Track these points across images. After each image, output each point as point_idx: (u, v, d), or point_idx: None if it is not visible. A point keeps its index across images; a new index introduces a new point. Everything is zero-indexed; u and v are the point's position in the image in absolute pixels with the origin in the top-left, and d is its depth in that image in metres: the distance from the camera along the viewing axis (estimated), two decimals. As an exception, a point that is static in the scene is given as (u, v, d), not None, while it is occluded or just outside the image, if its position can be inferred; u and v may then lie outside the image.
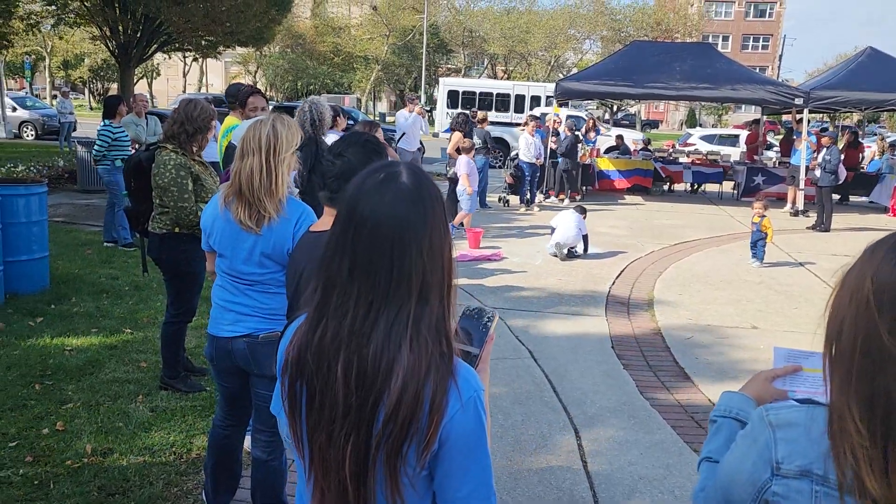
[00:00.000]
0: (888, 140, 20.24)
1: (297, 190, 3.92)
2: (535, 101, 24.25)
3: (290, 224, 2.74)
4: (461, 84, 26.35)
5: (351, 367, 1.22)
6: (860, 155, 17.02)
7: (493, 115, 20.77)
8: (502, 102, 24.51)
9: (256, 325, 2.81)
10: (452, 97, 24.56)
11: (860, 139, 17.56)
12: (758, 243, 9.00)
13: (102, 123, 8.33)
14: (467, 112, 13.04)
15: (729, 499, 1.23)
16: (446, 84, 25.74)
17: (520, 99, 24.67)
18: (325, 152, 2.29)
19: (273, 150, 2.70)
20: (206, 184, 4.14)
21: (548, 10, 42.82)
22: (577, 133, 14.36)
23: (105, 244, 8.37)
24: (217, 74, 47.93)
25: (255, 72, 45.09)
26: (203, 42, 20.37)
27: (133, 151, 8.09)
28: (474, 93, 24.83)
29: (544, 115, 16.83)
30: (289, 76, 41.55)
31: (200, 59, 37.73)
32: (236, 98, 5.64)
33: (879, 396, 1.03)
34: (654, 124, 43.35)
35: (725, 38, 60.66)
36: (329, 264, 1.27)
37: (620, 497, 3.61)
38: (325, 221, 2.20)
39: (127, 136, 8.50)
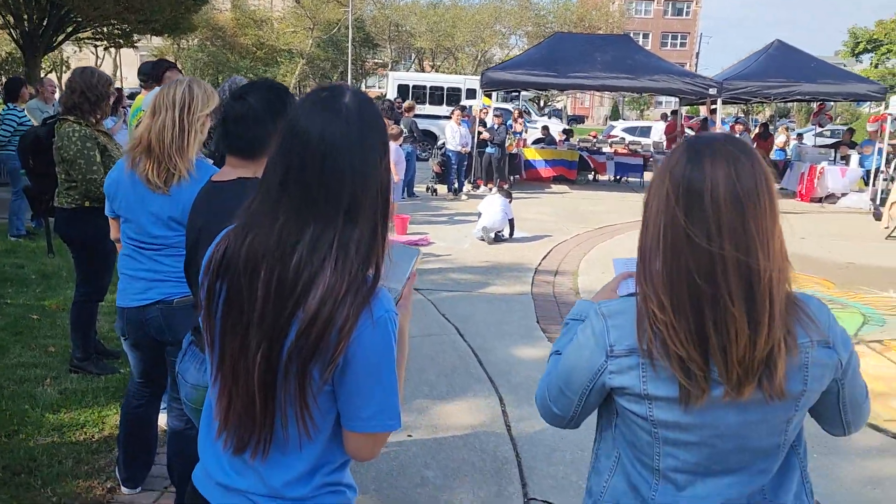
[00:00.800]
0: (793, 132, 21.26)
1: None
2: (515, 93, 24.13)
3: (199, 186, 2.65)
4: (411, 78, 25.94)
5: (273, 275, 1.22)
6: (770, 145, 17.82)
7: (444, 110, 20.78)
8: (453, 96, 24.33)
9: (170, 289, 2.71)
10: (402, 91, 24.32)
11: (770, 131, 18.37)
12: None
13: (5, 108, 7.90)
14: (391, 99, 12.99)
15: (568, 383, 1.36)
16: (396, 78, 25.41)
17: (471, 93, 24.52)
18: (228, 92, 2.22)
19: (187, 107, 2.61)
20: (113, 154, 3.97)
21: (473, 5, 43.21)
22: (507, 124, 14.49)
23: (10, 237, 7.90)
24: (132, 68, 46.16)
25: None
26: (115, 31, 19.57)
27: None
28: (425, 87, 24.59)
29: (471, 106, 16.94)
30: (209, 70, 40.40)
31: (114, 52, 36.28)
32: (149, 75, 5.45)
33: (681, 273, 1.20)
34: (580, 119, 44.16)
35: (646, 35, 62.49)
36: (266, 175, 1.28)
37: (542, 454, 3.67)
38: (226, 172, 2.10)
39: (31, 122, 8.09)
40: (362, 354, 1.24)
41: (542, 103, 28.21)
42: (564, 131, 19.56)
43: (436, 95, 23.63)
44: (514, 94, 21.94)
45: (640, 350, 1.26)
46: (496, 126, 14.01)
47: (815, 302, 1.28)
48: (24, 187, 4.35)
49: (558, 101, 35.88)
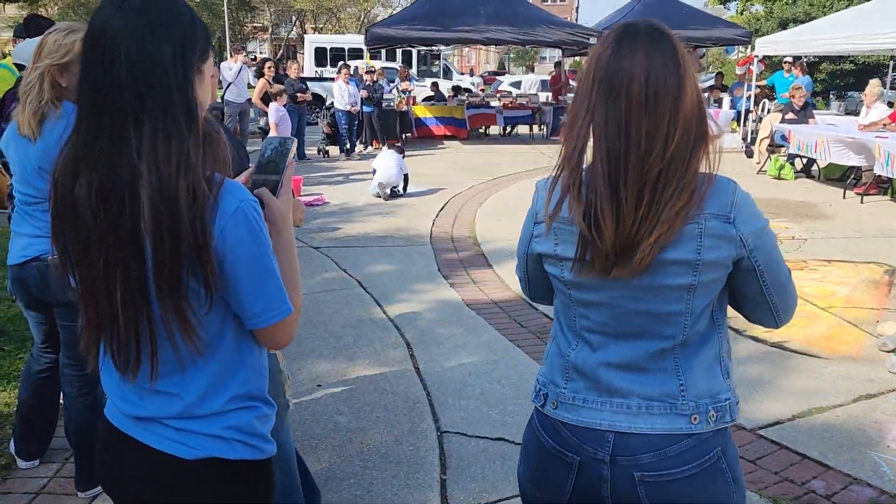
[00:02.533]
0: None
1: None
2: (406, 53, 23.64)
3: (61, 129, 2.49)
4: (329, 41, 24.99)
5: (91, 185, 1.20)
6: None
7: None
8: (372, 57, 23.72)
9: (45, 246, 2.56)
10: (320, 54, 23.37)
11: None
12: None
13: None
14: (271, 58, 12.55)
15: (519, 249, 1.54)
16: (312, 41, 24.43)
17: (390, 53, 23.90)
18: None
19: (38, 55, 2.49)
20: None
21: (353, -36, 42.10)
22: (379, 83, 14.28)
23: None
24: (-13, 42, 42.45)
25: (34, 37, 40.36)
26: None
27: None
28: (343, 49, 23.82)
29: (357, 66, 16.66)
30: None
31: (-37, 24, 33.15)
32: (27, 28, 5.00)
33: (603, 151, 1.31)
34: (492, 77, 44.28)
35: (526, -9, 63.15)
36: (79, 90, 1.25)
37: (452, 391, 3.77)
38: None
39: None
40: (231, 250, 1.23)
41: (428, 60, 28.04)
42: (453, 88, 19.60)
43: (355, 56, 23.03)
44: (402, 50, 21.71)
45: (554, 215, 1.40)
46: (370, 83, 13.82)
47: (727, 183, 1.34)
48: None
49: (446, 58, 35.50)
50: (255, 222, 1.25)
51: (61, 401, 2.94)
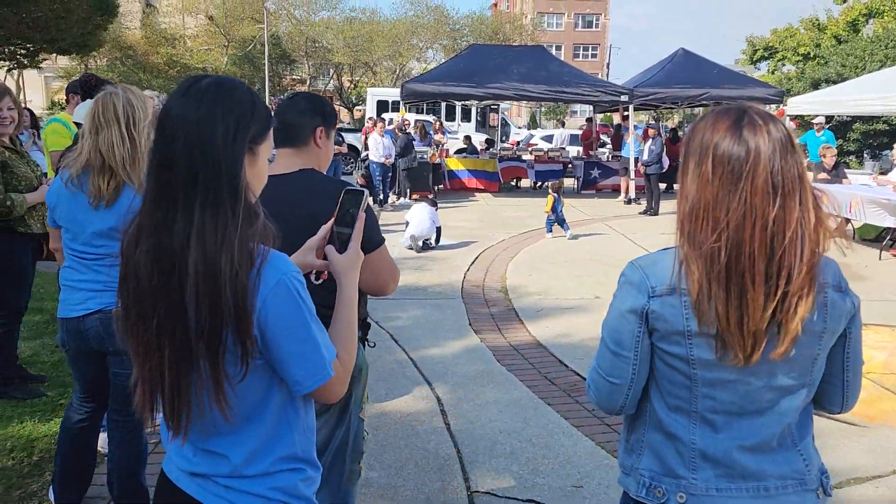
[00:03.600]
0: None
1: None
2: (466, 111, 24.10)
3: (132, 192, 2.61)
4: (389, 94, 25.58)
5: (149, 252, 1.30)
6: (681, 149, 18.63)
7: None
8: (432, 110, 24.16)
9: (109, 299, 2.67)
10: (382, 106, 23.93)
11: (679, 136, 19.23)
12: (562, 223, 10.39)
13: None
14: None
15: (619, 341, 1.42)
16: (375, 94, 25.07)
17: (450, 108, 24.33)
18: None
19: (132, 120, 2.63)
20: (17, 171, 3.88)
21: (390, 20, 43.26)
22: (409, 133, 14.59)
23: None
24: (36, 90, 44.11)
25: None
26: (19, 51, 18.72)
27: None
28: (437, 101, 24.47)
29: (391, 119, 17.07)
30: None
31: (17, 73, 34.61)
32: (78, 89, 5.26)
33: (717, 252, 1.29)
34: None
35: (558, 47, 64.22)
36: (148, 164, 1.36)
37: (482, 449, 3.77)
38: (282, 164, 2.27)
39: None
40: (274, 320, 1.30)
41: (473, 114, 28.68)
42: (486, 141, 19.89)
43: (414, 110, 23.59)
44: (445, 104, 22.17)
45: (679, 289, 1.34)
46: (394, 136, 14.10)
47: (824, 258, 1.36)
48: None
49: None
50: (297, 293, 1.33)
51: (100, 448, 3.02)
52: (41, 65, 21.81)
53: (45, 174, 4.94)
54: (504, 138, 26.14)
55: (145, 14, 43.83)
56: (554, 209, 10.38)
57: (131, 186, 2.60)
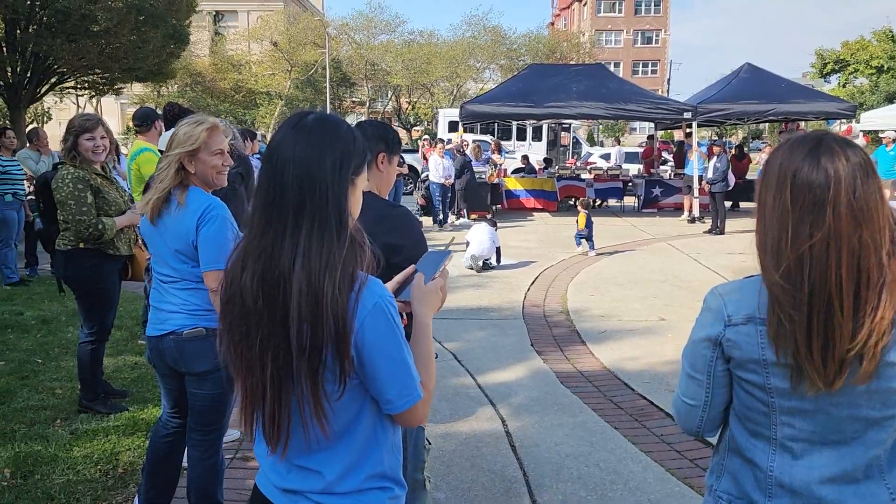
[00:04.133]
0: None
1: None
2: (537, 129, 24.29)
3: (195, 215, 2.73)
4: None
5: (255, 277, 1.38)
6: (746, 166, 18.21)
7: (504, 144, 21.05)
8: (503, 129, 24.44)
9: (182, 321, 2.81)
10: (454, 127, 24.48)
11: (745, 152, 18.81)
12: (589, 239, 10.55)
13: (-14, 157, 7.98)
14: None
15: (694, 364, 1.47)
16: (446, 115, 25.54)
17: (521, 129, 24.54)
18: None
19: (168, 145, 2.77)
20: (108, 196, 4.12)
21: (447, 42, 43.66)
22: (467, 154, 14.70)
23: (4, 286, 7.93)
24: (113, 115, 46.27)
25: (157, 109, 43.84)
26: (98, 80, 19.70)
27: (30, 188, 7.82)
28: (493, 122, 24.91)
29: (450, 139, 17.24)
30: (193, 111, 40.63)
31: (95, 100, 36.40)
32: (144, 121, 5.56)
33: (798, 273, 1.30)
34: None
35: (617, 65, 63.73)
36: (255, 194, 1.46)
37: (548, 472, 3.77)
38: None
39: (20, 169, 8.16)
40: (370, 341, 1.38)
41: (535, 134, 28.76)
42: (544, 160, 19.88)
43: (486, 130, 23.87)
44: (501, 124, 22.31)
45: (758, 318, 1.35)
46: (454, 157, 14.22)
47: None
48: (37, 230, 4.47)
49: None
50: (392, 316, 1.41)
51: (183, 464, 3.15)
52: (118, 92, 22.86)
53: (133, 199, 5.21)
54: (576, 157, 26.01)
55: (214, 42, 45.52)
56: (587, 224, 10.50)
57: (179, 204, 2.72)
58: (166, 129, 5.33)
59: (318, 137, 1.42)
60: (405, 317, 1.57)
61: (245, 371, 1.42)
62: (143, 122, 5.50)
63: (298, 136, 1.42)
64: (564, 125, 24.57)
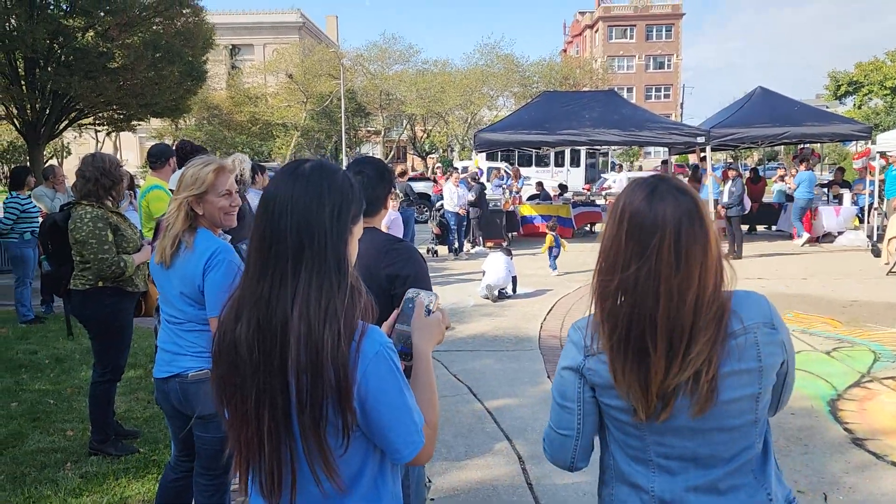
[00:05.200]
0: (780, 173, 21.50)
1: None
2: (575, 153, 24.37)
3: (202, 259, 2.70)
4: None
5: (251, 326, 1.34)
6: (762, 189, 18.05)
7: (526, 170, 21.16)
8: (540, 156, 24.62)
9: (187, 363, 2.78)
10: (490, 155, 24.74)
11: (760, 175, 18.65)
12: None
13: (8, 196, 8.07)
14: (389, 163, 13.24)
15: (563, 394, 1.53)
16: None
17: (559, 155, 24.73)
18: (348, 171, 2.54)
19: (177, 188, 2.77)
20: (126, 234, 4.14)
21: (460, 70, 44.09)
22: (482, 182, 14.71)
23: (20, 324, 7.94)
24: (131, 149, 47.00)
25: (172, 144, 44.51)
26: (117, 116, 20.02)
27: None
28: (511, 149, 25.19)
29: (465, 167, 17.28)
30: (207, 147, 41.23)
31: (114, 135, 37.01)
32: (158, 158, 5.59)
33: (621, 313, 1.40)
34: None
35: (630, 90, 63.94)
36: (249, 240, 1.43)
37: (567, 512, 3.66)
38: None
39: (36, 208, 8.26)
40: (373, 390, 1.34)
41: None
42: (559, 186, 19.86)
43: (525, 157, 24.06)
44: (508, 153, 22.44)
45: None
46: (469, 185, 14.21)
47: (754, 295, 1.44)
48: (45, 272, 4.48)
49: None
50: (394, 364, 1.37)
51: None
52: (135, 128, 23.23)
53: (143, 235, 5.23)
54: (591, 184, 26.04)
55: (230, 75, 46.27)
56: (553, 247, 11.28)
57: (188, 247, 2.70)
58: (179, 167, 5.36)
59: (316, 185, 1.39)
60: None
61: (239, 424, 1.37)
62: (157, 159, 5.53)
63: (296, 183, 1.39)
64: (602, 150, 24.72)
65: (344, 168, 1.58)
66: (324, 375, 1.28)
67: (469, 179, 14.49)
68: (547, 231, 11.63)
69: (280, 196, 1.38)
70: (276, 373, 1.31)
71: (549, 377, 5.96)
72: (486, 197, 14.75)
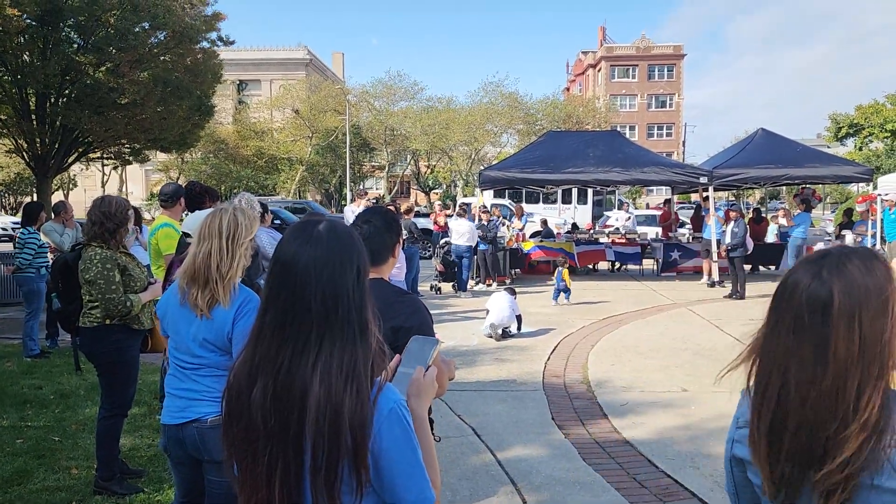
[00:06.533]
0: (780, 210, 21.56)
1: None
2: (582, 191, 24.49)
3: (233, 307, 2.75)
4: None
5: (266, 392, 1.34)
6: (765, 229, 18.10)
7: (534, 207, 21.26)
8: (547, 194, 24.73)
9: (205, 409, 2.79)
10: (497, 192, 24.91)
11: (762, 215, 18.74)
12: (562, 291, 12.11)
13: (24, 231, 8.14)
14: (393, 202, 13.36)
15: (726, 463, 1.50)
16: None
17: (566, 192, 24.84)
18: (355, 220, 2.55)
19: (233, 235, 2.78)
20: (133, 273, 4.25)
21: (465, 107, 44.53)
22: (492, 219, 14.82)
23: (25, 358, 7.95)
24: (137, 182, 47.34)
25: (178, 178, 44.91)
26: (124, 150, 20.26)
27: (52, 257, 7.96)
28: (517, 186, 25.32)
29: (469, 204, 17.40)
30: (212, 181, 41.42)
31: (120, 168, 37.32)
32: (170, 197, 5.66)
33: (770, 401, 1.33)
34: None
35: (632, 128, 64.58)
36: (263, 301, 1.43)
37: (573, 559, 3.64)
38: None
39: (44, 243, 8.33)
40: (387, 448, 1.34)
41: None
42: (573, 225, 19.94)
43: (533, 195, 24.22)
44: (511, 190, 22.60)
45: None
46: (485, 223, 14.32)
47: None
48: (56, 309, 4.54)
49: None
50: (407, 421, 1.38)
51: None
52: (142, 161, 23.47)
53: (151, 272, 5.28)
54: (594, 221, 26.19)
55: (237, 110, 46.83)
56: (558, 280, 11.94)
57: (231, 302, 2.73)
58: (188, 207, 5.44)
59: (336, 249, 1.40)
60: None
61: (250, 487, 1.37)
62: (168, 198, 5.60)
63: (317, 249, 1.39)
64: (609, 188, 24.90)
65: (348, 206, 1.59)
66: (341, 438, 1.29)
67: (481, 215, 14.58)
68: (559, 265, 12.28)
69: (301, 263, 1.38)
70: (291, 439, 1.32)
71: (553, 419, 5.95)
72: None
